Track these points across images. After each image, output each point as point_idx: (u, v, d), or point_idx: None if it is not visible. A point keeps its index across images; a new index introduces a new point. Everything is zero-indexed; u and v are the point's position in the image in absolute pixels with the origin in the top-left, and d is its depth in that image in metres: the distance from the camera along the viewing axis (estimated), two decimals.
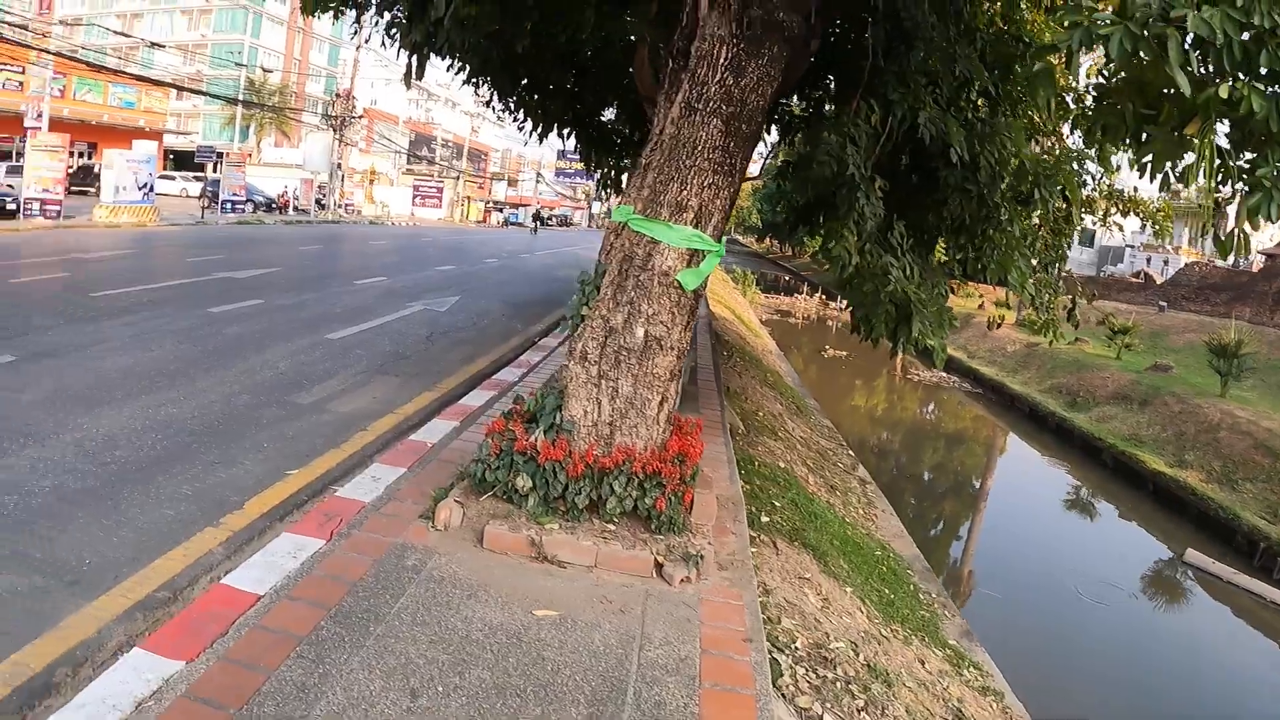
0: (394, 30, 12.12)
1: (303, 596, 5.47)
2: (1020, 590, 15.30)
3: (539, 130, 16.98)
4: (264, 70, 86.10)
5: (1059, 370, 32.64)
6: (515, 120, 17.70)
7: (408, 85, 10.84)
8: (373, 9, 13.28)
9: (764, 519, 9.15)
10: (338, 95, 67.67)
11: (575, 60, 15.44)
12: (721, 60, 6.74)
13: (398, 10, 11.62)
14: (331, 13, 14.45)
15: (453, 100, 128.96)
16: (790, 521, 9.64)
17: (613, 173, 19.87)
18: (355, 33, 15.14)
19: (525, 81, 15.41)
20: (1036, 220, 12.29)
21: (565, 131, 17.86)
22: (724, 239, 7.09)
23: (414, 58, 10.85)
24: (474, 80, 15.54)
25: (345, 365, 13.15)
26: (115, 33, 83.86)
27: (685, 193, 6.62)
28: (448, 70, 14.79)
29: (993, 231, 10.67)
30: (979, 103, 10.85)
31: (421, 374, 13.09)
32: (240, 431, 9.48)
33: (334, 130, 63.73)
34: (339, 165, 66.57)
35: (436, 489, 7.27)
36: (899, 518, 14.47)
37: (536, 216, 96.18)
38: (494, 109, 18.16)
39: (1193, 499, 20.16)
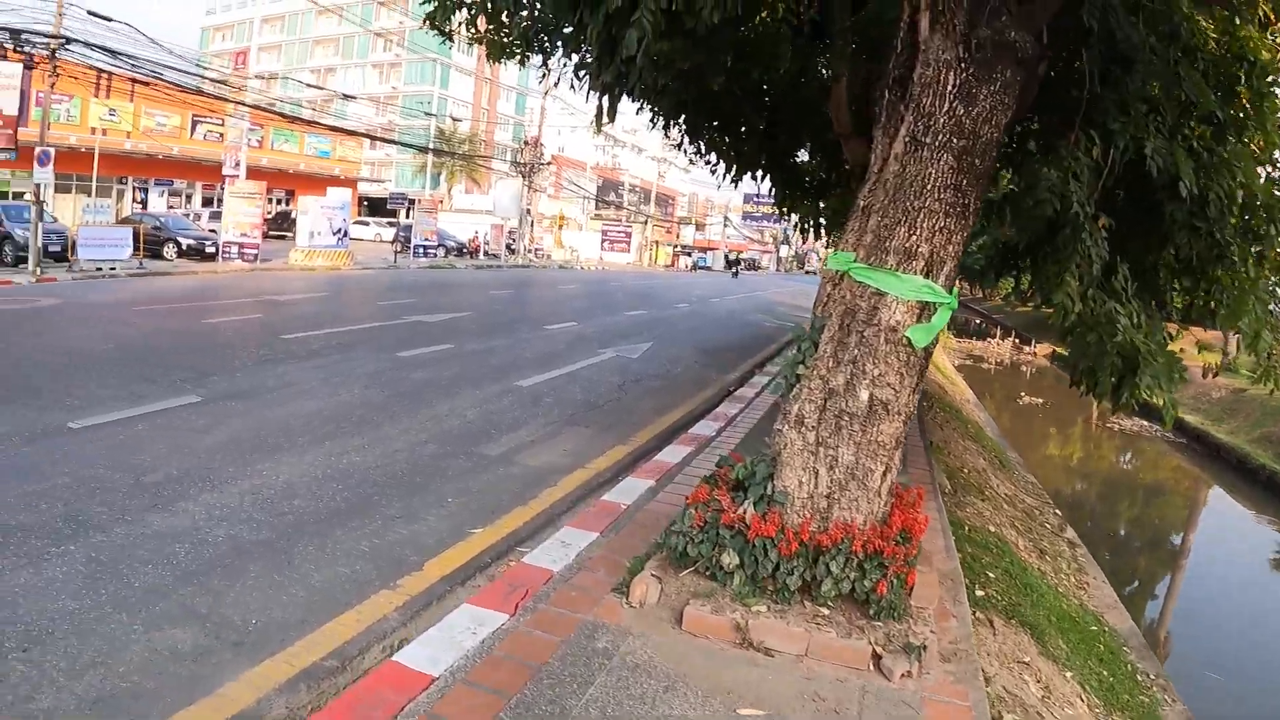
0: (583, 72, 11.70)
1: (481, 681, 4.91)
2: (1239, 669, 13.12)
3: (731, 173, 16.44)
4: (453, 119, 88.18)
5: (1270, 419, 29.83)
6: (707, 163, 17.20)
7: (598, 128, 10.30)
8: (560, 52, 12.94)
9: (979, 593, 8.24)
10: (525, 142, 68.62)
11: (768, 99, 14.88)
12: (949, 88, 6.00)
13: (586, 51, 11.15)
14: (517, 59, 14.25)
15: (639, 146, 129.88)
16: (1006, 595, 8.72)
17: (810, 218, 19.23)
18: (543, 77, 14.54)
19: (717, 122, 14.87)
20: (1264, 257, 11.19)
21: (758, 174, 17.26)
22: (955, 290, 6.29)
23: (604, 99, 10.33)
24: (665, 123, 15.11)
25: (535, 415, 12.71)
26: (309, 85, 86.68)
27: (914, 238, 5.88)
28: (638, 113, 14.41)
29: (1222, 272, 9.65)
30: (1203, 130, 9.87)
31: (614, 425, 12.55)
32: (424, 484, 9.07)
33: (522, 176, 64.38)
34: (528, 211, 67.28)
35: (631, 560, 6.66)
36: (1111, 586, 13.23)
37: (735, 262, 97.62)
38: (685, 152, 17.65)
39: None
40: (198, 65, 48.06)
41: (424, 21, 13.66)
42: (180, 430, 10.28)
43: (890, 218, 5.96)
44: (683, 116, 14.24)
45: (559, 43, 12.76)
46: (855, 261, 6.10)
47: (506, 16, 12.95)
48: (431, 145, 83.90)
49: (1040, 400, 36.58)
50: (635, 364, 18.43)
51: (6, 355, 14.71)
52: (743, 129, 15.34)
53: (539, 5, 11.74)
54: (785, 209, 19.70)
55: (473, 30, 13.90)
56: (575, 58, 12.30)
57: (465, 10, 13.02)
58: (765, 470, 6.33)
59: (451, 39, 14.12)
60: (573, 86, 12.54)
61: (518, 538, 7.82)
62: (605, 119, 10.19)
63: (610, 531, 7.71)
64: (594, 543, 7.37)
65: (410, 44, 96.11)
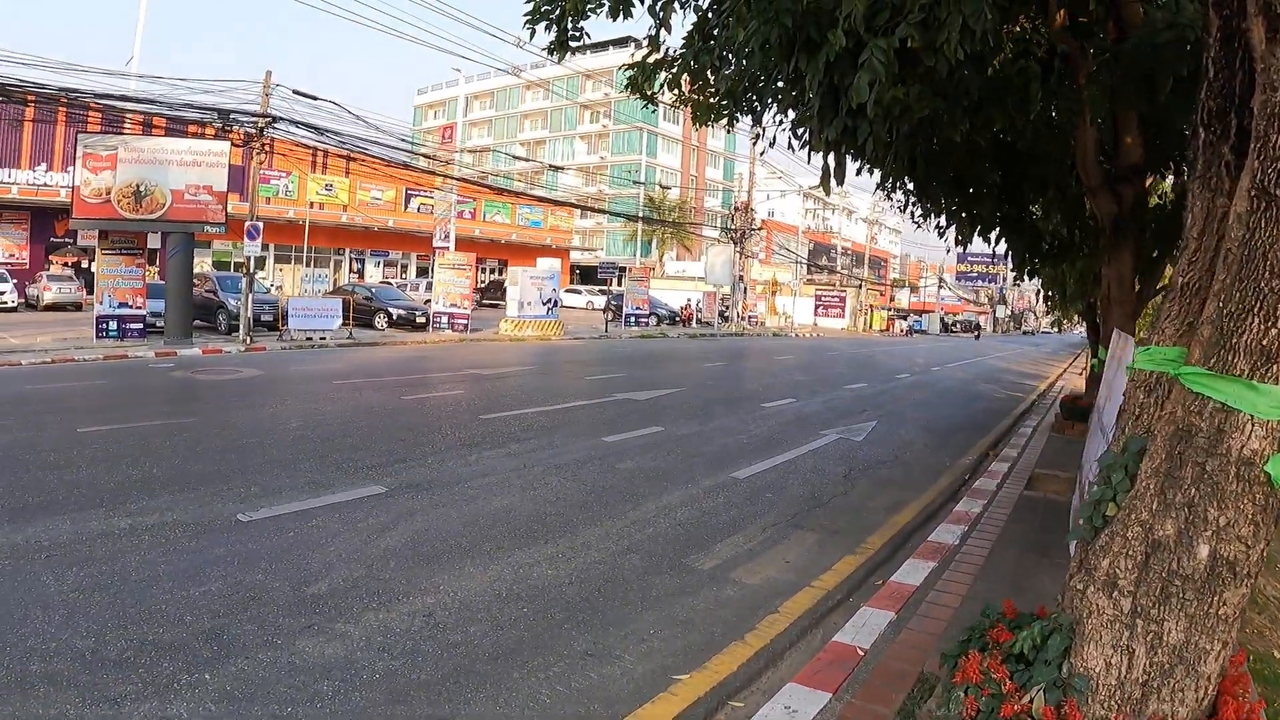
0: (802, 129, 10.36)
1: None
2: None
3: (962, 236, 14.83)
4: (661, 187, 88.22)
5: None
6: (937, 228, 15.66)
7: (826, 190, 8.92)
8: (774, 108, 11.66)
9: None
10: (736, 208, 67.66)
11: (1005, 152, 13.36)
12: None
13: (804, 107, 9.71)
14: (725, 121, 13.09)
15: (849, 208, 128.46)
16: None
17: (1054, 286, 17.50)
18: (755, 140, 13.23)
19: (950, 180, 13.32)
20: None
21: (992, 234, 15.61)
22: None
23: (830, 158, 8.91)
24: (892, 184, 13.69)
25: (753, 514, 11.27)
26: (518, 158, 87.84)
27: (1274, 331, 4.20)
28: (859, 172, 13.08)
29: None
30: None
31: (841, 528, 11.02)
32: (623, 609, 7.74)
33: (734, 242, 63.32)
34: (740, 277, 66.14)
35: None
36: None
37: (976, 326, 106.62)
38: (911, 215, 16.12)
39: None
40: (410, 141, 48.48)
41: (626, 87, 12.69)
42: (357, 528, 9.42)
43: (1236, 303, 4.25)
44: (911, 175, 12.72)
45: (770, 100, 11.48)
46: (1188, 364, 4.49)
47: (711, 73, 11.75)
48: (641, 213, 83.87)
49: None
50: (861, 448, 16.79)
51: (195, 432, 14.32)
52: (977, 186, 13.75)
53: (745, 59, 10.42)
54: (1023, 274, 17.94)
55: (676, 91, 12.89)
56: (792, 114, 10.96)
57: (667, 71, 11.97)
58: (1059, 644, 4.71)
59: (655, 103, 13.07)
60: (791, 146, 11.26)
61: (730, 688, 6.40)
62: (835, 181, 8.80)
63: (845, 692, 6.21)
64: (825, 709, 5.89)
65: (616, 114, 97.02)
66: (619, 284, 59.15)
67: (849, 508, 12.17)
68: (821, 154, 8.78)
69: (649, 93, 12.62)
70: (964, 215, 14.66)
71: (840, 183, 8.84)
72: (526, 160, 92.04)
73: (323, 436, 14.26)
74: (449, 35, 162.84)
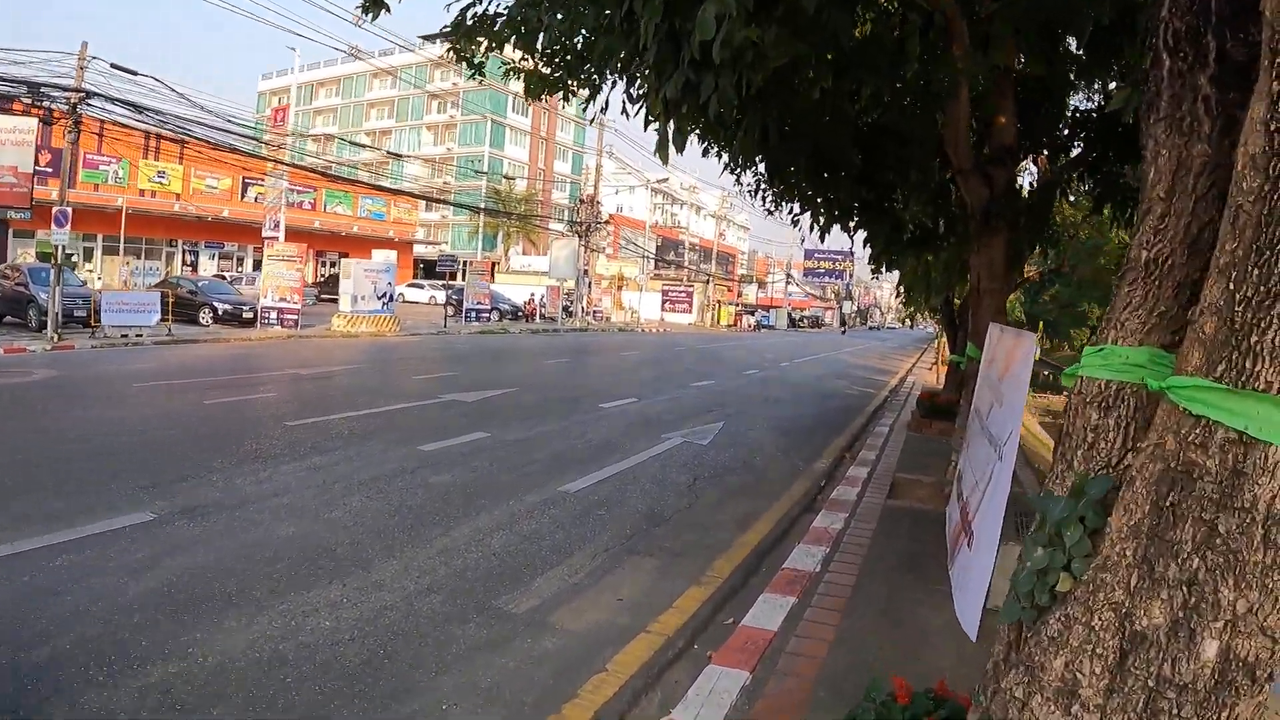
0: (638, 90, 8.92)
1: None
2: None
3: (818, 224, 13.57)
4: (506, 178, 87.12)
5: None
6: (791, 214, 14.43)
7: (664, 159, 7.37)
8: (610, 78, 10.31)
9: None
10: (581, 201, 66.14)
11: (868, 132, 12.21)
12: None
13: (640, 65, 8.19)
14: (562, 95, 11.69)
15: (698, 204, 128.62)
16: None
17: (916, 278, 16.41)
18: (586, 106, 11.66)
19: (806, 161, 12.03)
20: None
21: (851, 224, 14.42)
22: None
23: (670, 124, 7.40)
24: (741, 164, 12.39)
25: (582, 538, 9.78)
26: (357, 145, 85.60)
27: None
28: (705, 153, 11.83)
29: None
30: None
31: (685, 550, 9.63)
32: (413, 673, 6.19)
33: (578, 236, 61.96)
34: (585, 271, 64.84)
35: None
36: None
37: (844, 321, 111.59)
38: (762, 201, 14.85)
39: None
40: (250, 126, 46.26)
41: (449, 51, 11.15)
42: (110, 568, 7.71)
43: (1255, 284, 2.80)
44: (764, 151, 11.36)
45: (605, 65, 10.09)
46: (1181, 372, 3.07)
47: (544, 35, 10.27)
48: (484, 205, 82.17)
49: None
50: (707, 453, 15.46)
51: None
52: (835, 170, 12.50)
53: (574, 9, 9.02)
54: (883, 265, 16.78)
55: (496, 57, 11.48)
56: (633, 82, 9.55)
57: (492, 34, 10.51)
58: None
59: (482, 71, 11.53)
60: (625, 111, 9.87)
61: None
62: (671, 148, 7.35)
63: None
64: None
65: (465, 104, 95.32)
66: (462, 278, 57.36)
67: (694, 524, 10.79)
68: (660, 118, 7.27)
69: (474, 60, 11.12)
70: (820, 201, 13.43)
71: (680, 149, 7.35)
72: (361, 146, 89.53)
73: (100, 451, 12.33)
74: (287, 12, 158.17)
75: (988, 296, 12.22)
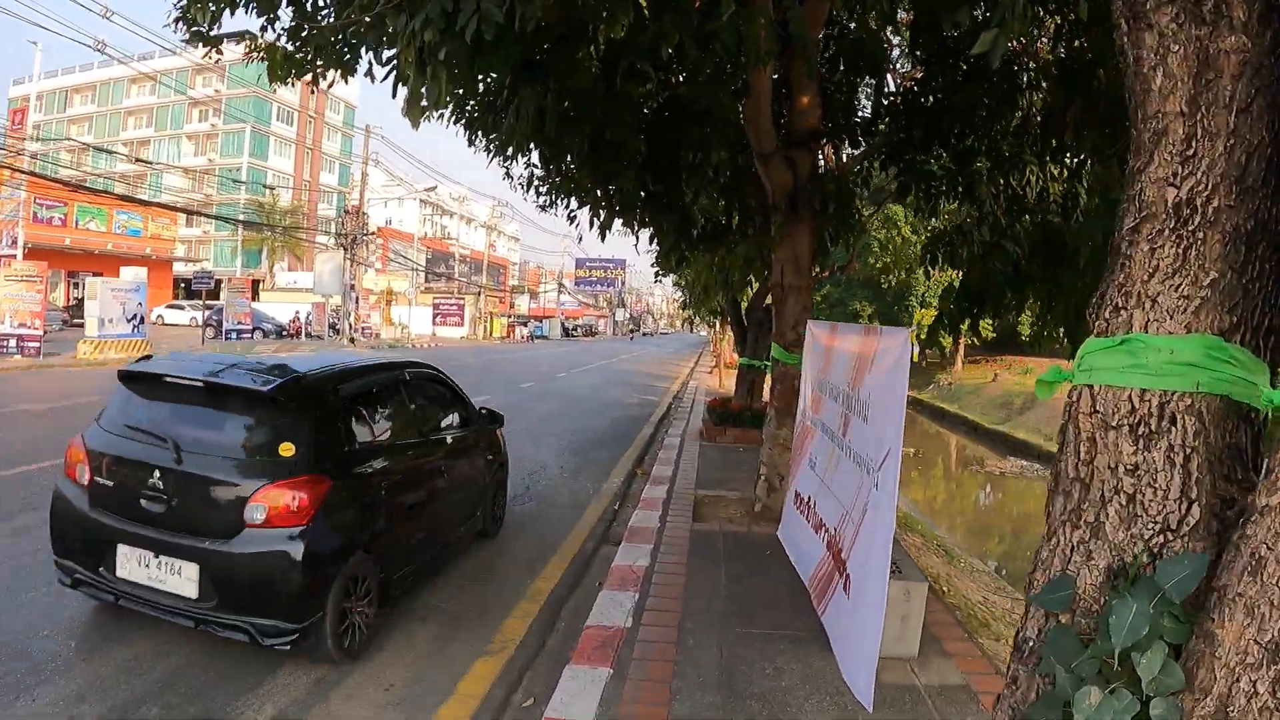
0: (389, 52, 7.34)
1: None
2: None
3: (600, 221, 12.15)
4: (264, 186, 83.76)
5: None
6: (568, 211, 13.05)
7: (414, 122, 5.83)
8: (362, 48, 8.81)
9: None
10: (347, 212, 63.37)
11: (653, 115, 10.96)
12: None
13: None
14: (311, 79, 10.02)
15: (468, 215, 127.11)
16: None
17: (717, 280, 15.22)
18: (332, 83, 9.85)
19: (585, 150, 10.63)
20: None
21: (635, 223, 13.09)
22: None
23: (426, 76, 5.83)
24: (513, 151, 10.95)
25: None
26: (108, 152, 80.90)
27: None
28: (479, 145, 10.48)
29: None
30: None
31: (467, 611, 8.11)
32: None
33: (344, 249, 59.46)
34: (352, 286, 62.30)
35: None
36: None
37: (635, 327, 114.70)
38: (538, 193, 13.33)
39: None
40: None
41: (176, 21, 9.35)
42: None
43: None
44: (538, 137, 9.85)
45: (359, 43, 8.61)
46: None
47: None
48: (242, 218, 78.71)
49: (912, 450, 33.88)
50: None
51: None
52: (618, 157, 11.12)
53: None
54: (672, 264, 15.48)
55: (246, 42, 9.89)
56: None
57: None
58: None
59: (219, 49, 9.79)
60: (371, 74, 8.34)
61: None
62: (427, 103, 5.86)
63: None
64: None
65: (227, 113, 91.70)
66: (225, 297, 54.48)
67: (476, 572, 9.28)
68: (413, 69, 5.70)
69: (208, 32, 9.34)
70: (600, 194, 12.02)
71: (436, 105, 5.83)
72: (113, 153, 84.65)
73: None
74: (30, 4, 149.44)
75: (793, 294, 11.07)
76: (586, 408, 26.37)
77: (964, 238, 10.91)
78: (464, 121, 10.75)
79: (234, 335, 48.94)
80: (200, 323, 54.97)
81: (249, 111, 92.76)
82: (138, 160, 78.97)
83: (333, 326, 61.39)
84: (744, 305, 23.75)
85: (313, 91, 10.65)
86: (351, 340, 58.77)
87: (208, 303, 51.34)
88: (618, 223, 12.31)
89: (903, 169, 11.54)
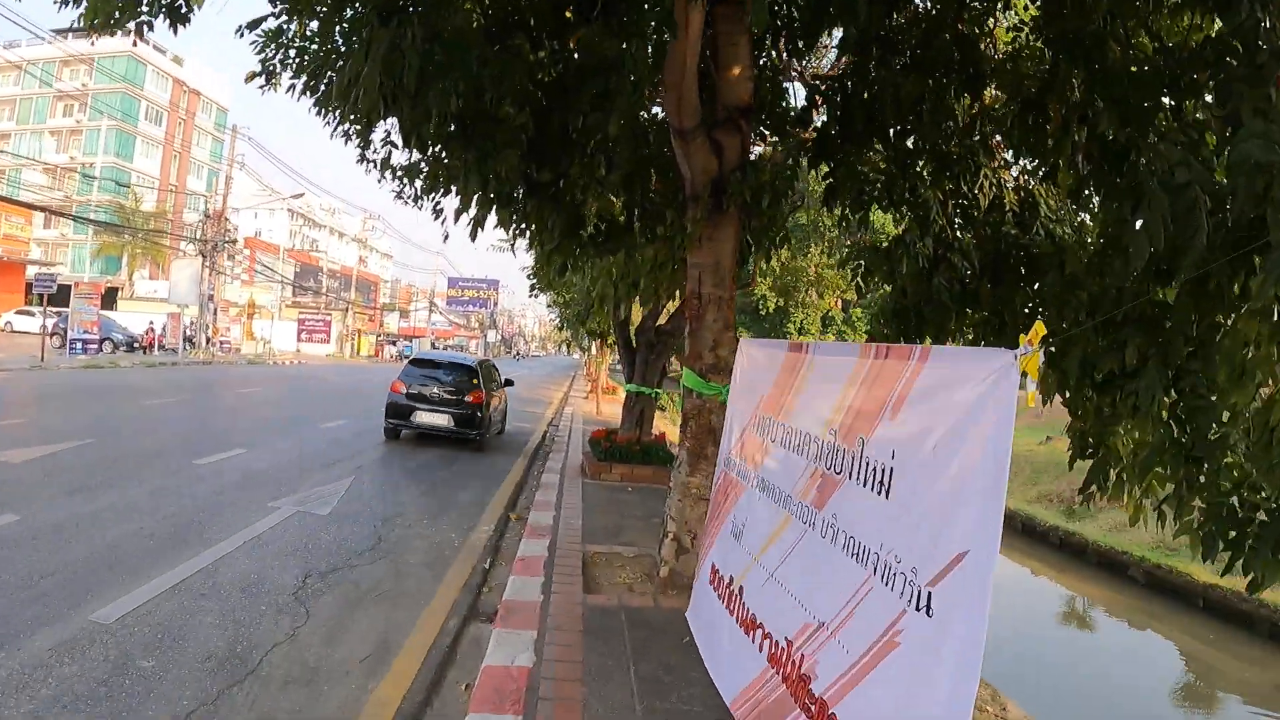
0: None
1: None
2: None
3: (474, 216, 9.69)
4: (117, 184, 79.77)
5: (1042, 475, 30.74)
6: (434, 204, 10.54)
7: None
8: None
9: None
10: (207, 216, 59.62)
11: (545, 84, 8.90)
12: None
13: None
14: (135, 29, 7.62)
15: (339, 229, 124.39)
16: None
17: (616, 287, 13.00)
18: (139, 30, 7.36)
19: (459, 121, 8.36)
20: None
21: (514, 217, 10.72)
22: None
23: None
24: (370, 122, 8.57)
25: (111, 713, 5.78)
26: None
27: None
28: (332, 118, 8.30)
29: None
30: None
31: None
32: None
33: (203, 256, 56.01)
34: (211, 297, 58.83)
35: None
36: None
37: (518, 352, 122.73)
38: (395, 181, 10.74)
39: None
40: None
41: None
42: None
43: None
44: (390, 103, 7.50)
45: None
46: None
47: None
48: (95, 219, 74.55)
49: None
50: (327, 529, 11.51)
51: None
52: (495, 135, 8.79)
53: None
54: (544, 281, 12.91)
55: None
56: None
57: None
58: None
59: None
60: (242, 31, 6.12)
61: None
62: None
63: None
64: None
65: (94, 108, 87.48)
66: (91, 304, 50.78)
67: (298, 671, 6.89)
68: None
69: None
70: (472, 178, 9.57)
71: None
72: None
73: None
74: None
75: (712, 307, 8.88)
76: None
77: (904, 250, 8.87)
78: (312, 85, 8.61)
79: (79, 347, 45.31)
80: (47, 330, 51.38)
81: (116, 108, 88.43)
82: None
83: (189, 339, 57.80)
84: (633, 324, 21.82)
85: (135, 44, 8.28)
86: (209, 356, 55.48)
87: (59, 310, 47.79)
88: (493, 220, 10.01)
89: (834, 168, 9.44)
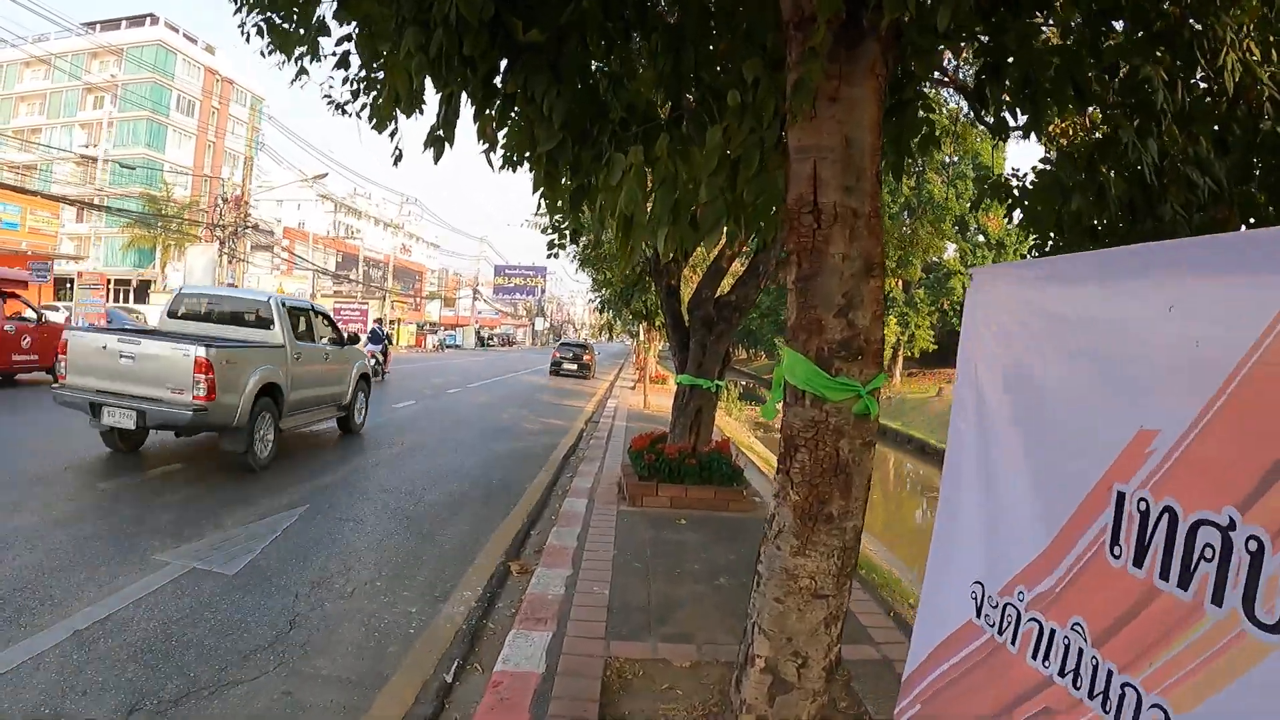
0: None
1: None
2: None
3: (439, 121, 5.46)
4: (147, 170, 77.18)
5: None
6: (372, 99, 6.36)
7: None
8: None
9: None
10: (225, 200, 55.83)
11: None
12: None
13: None
14: None
15: (381, 219, 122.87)
16: None
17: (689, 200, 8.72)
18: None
19: None
20: None
21: (487, 101, 6.34)
22: None
23: None
24: None
25: None
26: None
27: None
28: None
29: None
30: None
31: None
32: None
33: (220, 242, 52.45)
34: (231, 284, 55.45)
35: None
36: None
37: (558, 336, 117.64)
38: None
39: None
40: None
41: None
42: None
43: None
44: None
45: None
46: None
47: None
48: (130, 211, 72.03)
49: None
50: (217, 605, 7.25)
51: None
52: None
53: None
54: (551, 206, 7.86)
55: None
56: None
57: None
58: None
59: None
60: None
61: None
62: None
63: None
64: None
65: (124, 100, 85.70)
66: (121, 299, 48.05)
67: None
68: None
69: None
70: (413, 33, 5.34)
71: None
72: None
73: None
74: None
75: (840, 229, 4.40)
76: (465, 437, 19.61)
77: (1116, 160, 5.90)
78: None
79: None
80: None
81: (146, 98, 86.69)
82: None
83: None
84: (687, 292, 16.68)
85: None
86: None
87: (47, 303, 44.33)
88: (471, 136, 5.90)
89: (991, 38, 5.33)
